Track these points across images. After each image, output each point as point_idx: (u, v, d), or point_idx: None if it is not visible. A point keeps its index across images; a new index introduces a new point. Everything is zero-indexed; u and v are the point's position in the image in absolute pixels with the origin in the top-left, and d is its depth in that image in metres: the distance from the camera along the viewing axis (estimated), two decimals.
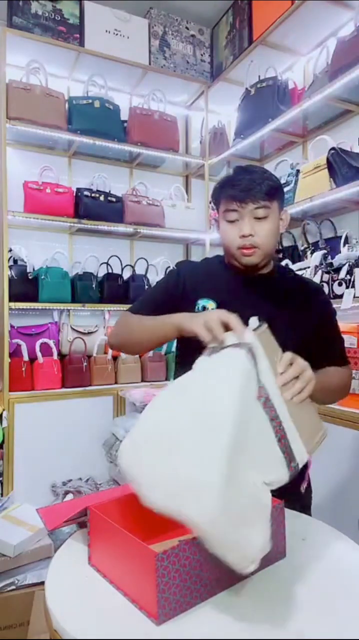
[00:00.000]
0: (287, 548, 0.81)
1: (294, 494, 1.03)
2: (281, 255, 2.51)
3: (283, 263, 2.39)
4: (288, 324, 1.08)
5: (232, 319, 0.86)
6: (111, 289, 2.78)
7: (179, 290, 1.16)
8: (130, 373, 2.77)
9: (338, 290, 1.98)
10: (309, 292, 1.19)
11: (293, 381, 0.83)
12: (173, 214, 2.91)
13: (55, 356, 2.60)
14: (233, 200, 1.07)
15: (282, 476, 0.74)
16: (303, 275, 1.34)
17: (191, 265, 1.29)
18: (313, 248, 2.33)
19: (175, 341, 1.20)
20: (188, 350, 1.00)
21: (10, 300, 2.43)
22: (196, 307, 1.14)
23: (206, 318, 0.89)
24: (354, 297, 1.91)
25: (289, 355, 0.85)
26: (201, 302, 1.13)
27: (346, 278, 1.96)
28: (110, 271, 2.88)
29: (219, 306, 1.11)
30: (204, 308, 1.13)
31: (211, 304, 1.12)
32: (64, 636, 0.64)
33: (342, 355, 1.21)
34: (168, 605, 0.64)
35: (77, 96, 2.68)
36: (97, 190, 2.73)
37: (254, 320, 0.85)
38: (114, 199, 2.74)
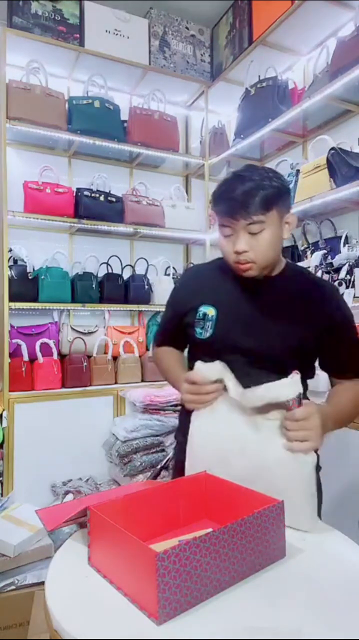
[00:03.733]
0: (287, 548, 0.81)
1: None
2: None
3: None
4: (287, 330, 1.07)
5: (194, 377, 0.99)
6: (111, 289, 2.78)
7: (183, 305, 1.19)
8: (130, 373, 2.77)
9: None
10: (320, 296, 1.11)
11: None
12: (173, 214, 2.91)
13: (55, 356, 2.60)
14: (225, 216, 1.03)
15: None
16: (321, 279, 1.27)
17: (194, 271, 1.27)
18: (313, 248, 2.33)
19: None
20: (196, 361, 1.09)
21: (10, 300, 2.43)
22: (197, 314, 1.14)
23: (184, 399, 1.02)
24: (354, 297, 1.91)
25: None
26: (202, 309, 1.14)
27: (346, 278, 1.97)
28: (110, 271, 2.88)
29: (218, 312, 1.12)
30: (204, 315, 1.13)
31: (211, 311, 1.12)
32: (64, 636, 0.64)
33: (354, 366, 1.12)
34: (169, 605, 0.64)
35: (77, 96, 2.68)
36: (97, 190, 2.73)
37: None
38: (114, 199, 2.74)
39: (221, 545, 0.71)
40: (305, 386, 1.09)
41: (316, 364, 1.17)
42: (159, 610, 0.63)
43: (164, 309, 1.33)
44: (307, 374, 1.14)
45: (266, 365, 1.05)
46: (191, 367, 1.19)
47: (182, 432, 1.23)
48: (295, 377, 0.90)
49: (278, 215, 1.03)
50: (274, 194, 1.01)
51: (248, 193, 0.99)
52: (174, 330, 1.24)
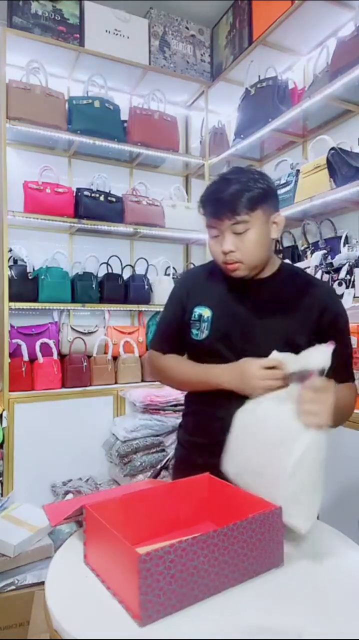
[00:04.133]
0: (286, 547, 0.80)
1: None
2: (281, 256, 2.51)
3: None
4: (282, 329, 1.08)
5: (274, 363, 0.97)
6: (111, 289, 2.78)
7: (183, 306, 1.18)
8: (130, 373, 2.77)
9: (338, 290, 1.98)
10: (316, 297, 1.10)
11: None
12: (173, 214, 2.91)
13: (55, 356, 2.60)
14: (211, 217, 1.05)
15: None
16: (317, 279, 1.26)
17: (189, 274, 1.27)
18: (313, 248, 2.33)
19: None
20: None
21: (10, 300, 2.43)
22: (192, 315, 1.15)
23: (256, 384, 0.97)
24: (354, 297, 1.91)
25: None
26: (197, 310, 1.15)
27: (346, 278, 1.96)
28: (110, 271, 2.88)
29: (213, 313, 1.12)
30: (199, 316, 1.14)
31: (206, 312, 1.13)
32: (64, 636, 0.64)
33: (345, 370, 1.11)
34: (151, 607, 0.63)
35: (77, 96, 2.68)
36: (97, 190, 2.73)
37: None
38: (114, 199, 2.74)
39: (210, 550, 0.69)
40: None
41: None
42: (142, 612, 0.62)
43: (161, 314, 1.30)
44: None
45: None
46: None
47: (188, 431, 1.23)
48: (330, 347, 0.89)
49: (263, 215, 1.05)
50: (259, 194, 1.03)
51: (232, 194, 1.01)
52: (175, 334, 1.22)
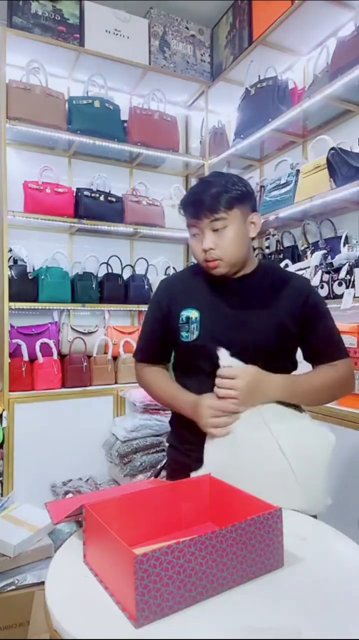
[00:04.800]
0: (286, 547, 0.80)
1: None
2: (281, 256, 2.51)
3: (283, 263, 2.39)
4: (268, 322, 1.11)
5: (221, 406, 1.03)
6: (111, 289, 2.78)
7: (164, 313, 1.21)
8: (130, 373, 2.76)
9: (338, 290, 1.98)
10: (293, 288, 1.15)
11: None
12: (173, 214, 2.91)
13: (55, 356, 2.60)
14: (191, 217, 1.11)
15: None
16: (294, 273, 1.31)
17: (168, 281, 1.29)
18: (313, 248, 2.33)
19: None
20: (186, 369, 1.19)
21: (10, 300, 2.43)
22: (180, 319, 1.16)
23: (205, 423, 1.05)
24: (354, 297, 1.91)
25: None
26: (184, 313, 1.16)
27: (346, 278, 1.96)
28: (110, 271, 2.88)
29: (201, 314, 1.14)
30: (187, 318, 1.15)
31: (193, 313, 1.15)
32: (64, 636, 0.64)
33: (337, 350, 1.16)
34: (148, 608, 0.63)
35: (77, 96, 2.68)
36: (97, 190, 2.73)
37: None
38: (114, 199, 2.74)
39: (208, 551, 0.68)
40: None
41: (301, 358, 1.21)
42: (138, 613, 0.62)
43: (142, 325, 1.33)
44: (290, 365, 1.18)
45: (254, 359, 1.07)
46: (177, 376, 1.24)
47: (174, 436, 1.26)
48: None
49: (241, 214, 1.11)
50: (236, 195, 1.09)
51: (211, 194, 1.08)
52: (158, 342, 1.25)
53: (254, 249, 2.85)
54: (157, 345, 1.25)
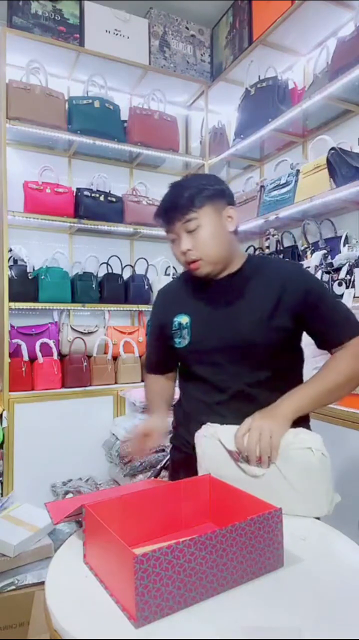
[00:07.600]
0: (286, 547, 0.80)
1: None
2: (281, 256, 2.51)
3: None
4: (262, 318, 1.07)
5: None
6: (111, 289, 2.78)
7: (161, 323, 1.22)
8: (130, 373, 2.77)
9: (338, 290, 1.98)
10: (284, 281, 1.09)
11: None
12: None
13: (55, 356, 2.60)
14: (165, 223, 1.11)
15: None
16: (283, 261, 1.32)
17: (163, 291, 1.31)
18: (313, 248, 2.33)
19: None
20: (185, 374, 1.22)
21: (10, 300, 2.43)
22: (173, 325, 1.17)
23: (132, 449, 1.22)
24: (354, 297, 1.91)
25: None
26: (176, 320, 1.17)
27: (346, 278, 1.96)
28: (110, 271, 2.88)
29: (191, 319, 1.14)
30: (179, 324, 1.16)
31: (184, 319, 1.15)
32: (64, 636, 0.64)
33: (343, 330, 1.09)
34: (148, 608, 0.63)
35: (77, 96, 2.68)
36: (97, 190, 2.73)
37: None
38: (114, 199, 2.74)
39: (208, 551, 0.68)
40: (288, 384, 1.07)
41: (304, 355, 1.19)
42: (137, 613, 0.62)
43: (148, 338, 1.39)
44: (289, 365, 1.15)
45: (249, 360, 1.07)
46: (180, 381, 1.26)
47: (176, 436, 1.27)
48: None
49: (213, 211, 1.09)
50: (204, 192, 1.08)
51: (178, 197, 1.08)
52: (160, 352, 1.28)
53: (255, 249, 2.86)
54: (160, 355, 1.29)
